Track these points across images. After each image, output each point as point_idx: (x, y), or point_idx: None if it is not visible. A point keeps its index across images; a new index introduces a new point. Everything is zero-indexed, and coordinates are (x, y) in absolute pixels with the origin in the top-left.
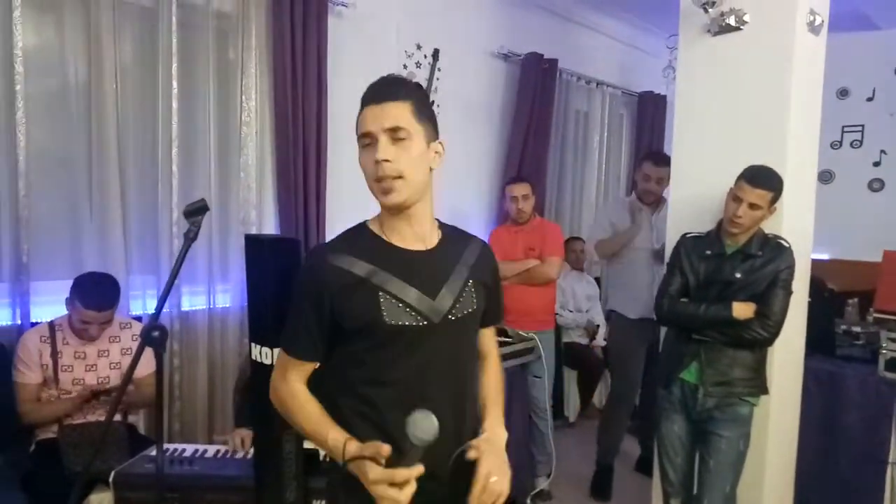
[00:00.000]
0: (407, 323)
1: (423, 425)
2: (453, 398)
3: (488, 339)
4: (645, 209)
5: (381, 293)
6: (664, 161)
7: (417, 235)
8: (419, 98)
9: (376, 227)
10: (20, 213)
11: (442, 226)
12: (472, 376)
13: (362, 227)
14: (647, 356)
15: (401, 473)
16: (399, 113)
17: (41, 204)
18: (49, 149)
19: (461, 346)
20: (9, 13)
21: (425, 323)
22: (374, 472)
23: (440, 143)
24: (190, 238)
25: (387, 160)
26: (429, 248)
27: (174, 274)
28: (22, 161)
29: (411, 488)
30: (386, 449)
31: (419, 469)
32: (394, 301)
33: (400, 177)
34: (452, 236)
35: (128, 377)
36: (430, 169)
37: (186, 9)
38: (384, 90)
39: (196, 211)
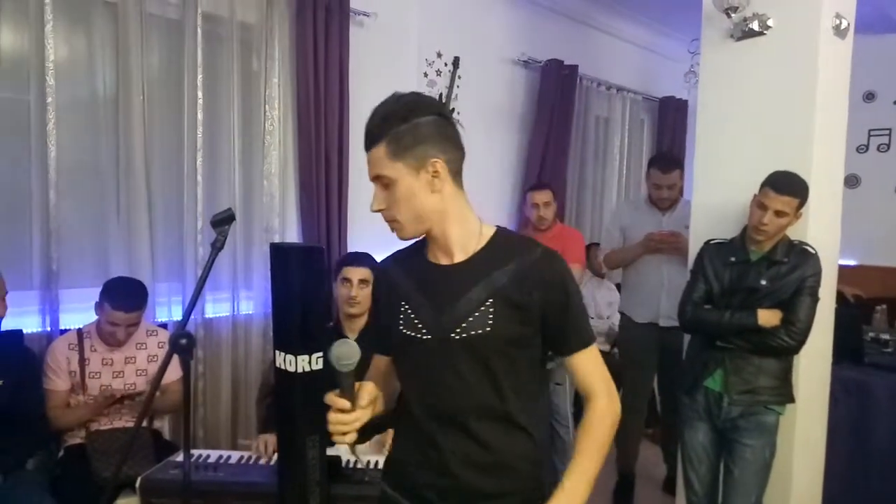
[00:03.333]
0: (413, 335)
1: (339, 351)
2: (456, 423)
3: (584, 373)
4: (656, 210)
5: (402, 303)
6: (671, 165)
7: (445, 251)
8: (394, 132)
9: None
10: (50, 222)
11: (495, 236)
12: (476, 409)
13: (420, 241)
14: (662, 363)
15: (338, 400)
16: (376, 159)
17: (70, 213)
18: (78, 159)
19: (467, 370)
20: (41, 27)
21: (429, 337)
22: (328, 399)
23: (433, 161)
24: (217, 247)
25: (379, 210)
26: (455, 262)
27: (201, 283)
28: (52, 171)
29: (355, 417)
30: (335, 399)
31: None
32: (410, 313)
33: (395, 220)
34: (497, 249)
35: (156, 384)
36: (435, 191)
37: (211, 20)
38: (367, 137)
39: (223, 220)
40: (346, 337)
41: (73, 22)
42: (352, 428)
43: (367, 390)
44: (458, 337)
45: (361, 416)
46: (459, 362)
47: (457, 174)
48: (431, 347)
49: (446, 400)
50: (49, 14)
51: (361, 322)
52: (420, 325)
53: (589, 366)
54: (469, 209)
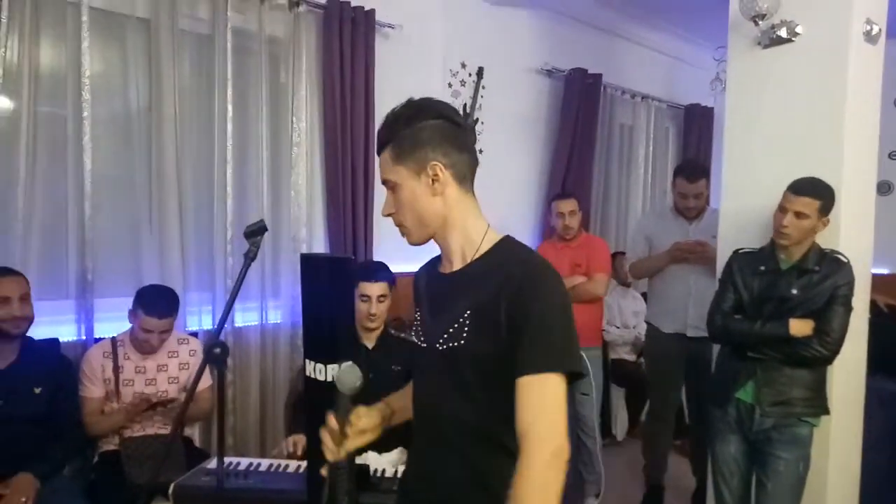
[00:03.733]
0: (417, 342)
1: (341, 376)
2: (441, 437)
3: (520, 406)
4: (682, 220)
5: (417, 310)
6: (697, 174)
7: (447, 259)
8: (398, 135)
9: None
10: (86, 233)
11: (495, 247)
12: (456, 424)
13: None
14: (690, 374)
15: (331, 420)
16: (383, 163)
17: (104, 224)
18: (112, 171)
19: (447, 382)
20: (78, 43)
21: (424, 346)
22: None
23: (433, 165)
24: (250, 258)
25: (388, 214)
26: (453, 270)
27: (234, 293)
28: (88, 184)
29: (339, 442)
30: (329, 418)
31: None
32: (418, 320)
33: (402, 224)
34: (492, 260)
35: (191, 393)
36: (436, 195)
37: (240, 35)
38: (377, 141)
39: (255, 232)
40: (364, 344)
41: (108, 38)
42: (333, 453)
43: (365, 418)
44: (440, 348)
45: (348, 443)
46: (442, 374)
47: (463, 179)
48: (426, 356)
49: (431, 411)
50: (86, 31)
51: (378, 332)
52: (421, 333)
53: (530, 398)
54: (475, 216)
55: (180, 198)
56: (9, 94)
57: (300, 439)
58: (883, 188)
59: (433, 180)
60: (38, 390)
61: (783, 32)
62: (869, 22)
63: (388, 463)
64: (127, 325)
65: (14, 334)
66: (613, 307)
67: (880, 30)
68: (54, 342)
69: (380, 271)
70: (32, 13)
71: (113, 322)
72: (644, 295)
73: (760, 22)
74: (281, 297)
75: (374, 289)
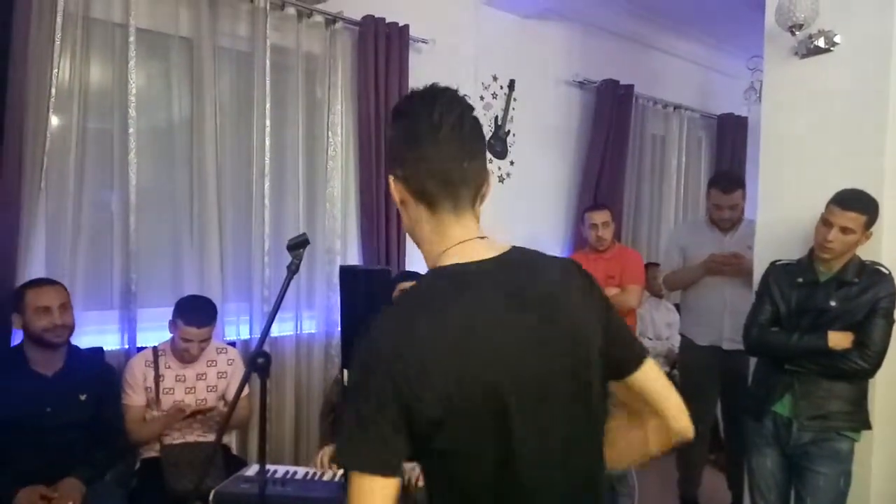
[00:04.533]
0: None
1: None
2: None
3: None
4: (717, 231)
5: None
6: (733, 185)
7: None
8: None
9: None
10: (130, 245)
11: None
12: None
13: None
14: (725, 386)
15: None
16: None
17: (147, 236)
18: (155, 185)
19: None
20: (125, 62)
21: None
22: None
23: (390, 176)
24: (292, 270)
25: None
26: None
27: (277, 305)
28: (133, 197)
29: None
30: None
31: None
32: None
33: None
34: None
35: (234, 401)
36: (401, 204)
37: (278, 51)
38: None
39: (298, 245)
40: None
41: (152, 57)
42: None
43: None
44: None
45: None
46: None
47: (421, 195)
48: None
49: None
50: (132, 51)
51: None
52: None
53: None
54: (438, 235)
55: (220, 210)
56: (60, 112)
57: (328, 450)
58: None
59: (394, 189)
60: (83, 397)
61: (821, 42)
62: None
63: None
64: (168, 335)
65: (56, 343)
66: (646, 318)
67: None
68: (99, 351)
69: (413, 278)
70: (83, 34)
71: (155, 331)
72: (677, 306)
73: (797, 32)
74: (315, 308)
75: None
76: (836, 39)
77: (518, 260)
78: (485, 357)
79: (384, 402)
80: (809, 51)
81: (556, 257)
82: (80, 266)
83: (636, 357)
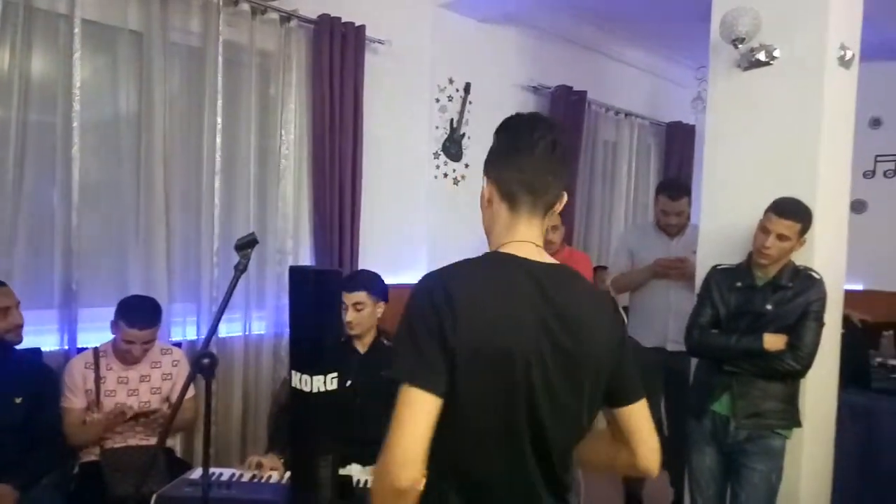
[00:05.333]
0: None
1: None
2: None
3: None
4: (664, 236)
5: None
6: (680, 192)
7: None
8: None
9: None
10: (72, 242)
11: None
12: None
13: None
14: (669, 387)
15: None
16: None
17: (91, 233)
18: (100, 181)
19: None
20: (70, 54)
21: None
22: None
23: (484, 177)
24: (240, 270)
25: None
26: None
27: (224, 305)
28: (76, 193)
29: None
30: None
31: None
32: None
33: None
34: None
35: (178, 403)
36: (488, 202)
37: (231, 48)
38: None
39: (247, 244)
40: (357, 350)
41: (99, 49)
42: None
43: None
44: None
45: None
46: None
47: (506, 195)
48: None
49: None
50: (77, 43)
51: (369, 338)
52: None
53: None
54: (509, 230)
55: (167, 208)
56: None
57: (266, 462)
58: (857, 206)
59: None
60: (18, 400)
61: (762, 56)
62: (843, 47)
63: (370, 475)
64: (111, 335)
65: (16, 343)
66: None
67: (854, 55)
68: (36, 351)
69: (360, 280)
70: (25, 24)
71: (97, 332)
72: (626, 308)
73: (740, 45)
74: (265, 309)
75: (350, 298)
76: (776, 53)
77: (561, 273)
78: (508, 327)
79: (434, 335)
80: (751, 63)
81: (595, 289)
82: (18, 263)
83: (633, 394)
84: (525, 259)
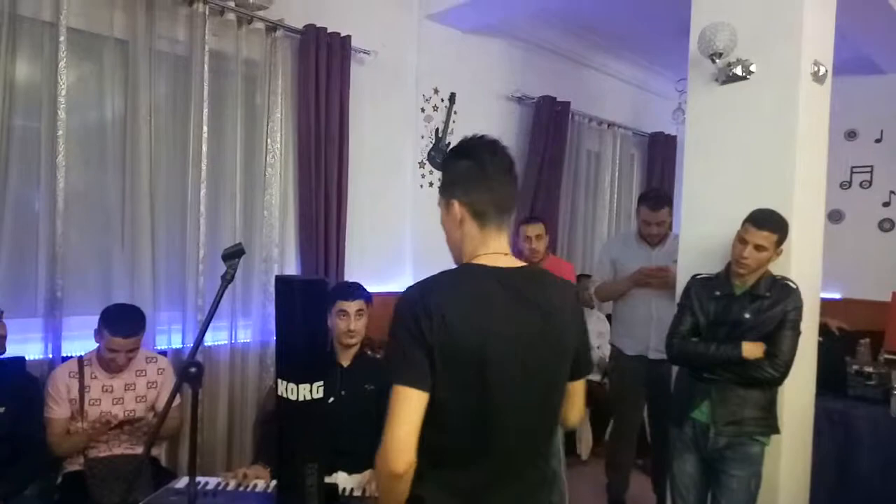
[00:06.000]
0: None
1: None
2: None
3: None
4: (645, 245)
5: None
6: (661, 203)
7: None
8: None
9: None
10: (56, 250)
11: None
12: None
13: None
14: (652, 394)
15: None
16: None
17: (75, 241)
18: (85, 189)
19: None
20: (55, 62)
21: None
22: None
23: (452, 200)
24: (227, 280)
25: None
26: None
27: (210, 314)
28: (60, 200)
29: None
30: None
31: None
32: None
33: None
34: None
35: (165, 412)
36: (460, 222)
37: (217, 57)
38: None
39: (233, 254)
40: (341, 364)
41: (84, 57)
42: None
43: None
44: None
45: None
46: None
47: (479, 214)
48: None
49: None
50: (63, 50)
51: (355, 350)
52: None
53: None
54: (482, 244)
55: (153, 216)
56: None
57: (251, 473)
58: (835, 216)
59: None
60: (1, 410)
61: (738, 70)
62: (816, 63)
63: (356, 483)
64: (96, 344)
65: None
66: None
67: (826, 70)
68: (20, 360)
69: (357, 290)
70: (9, 31)
71: (82, 340)
72: (608, 316)
73: (717, 60)
74: (251, 317)
75: (352, 305)
76: (752, 68)
77: (530, 272)
78: (483, 325)
79: (417, 339)
80: (728, 77)
81: (562, 280)
82: (2, 271)
83: (585, 370)
84: (496, 267)
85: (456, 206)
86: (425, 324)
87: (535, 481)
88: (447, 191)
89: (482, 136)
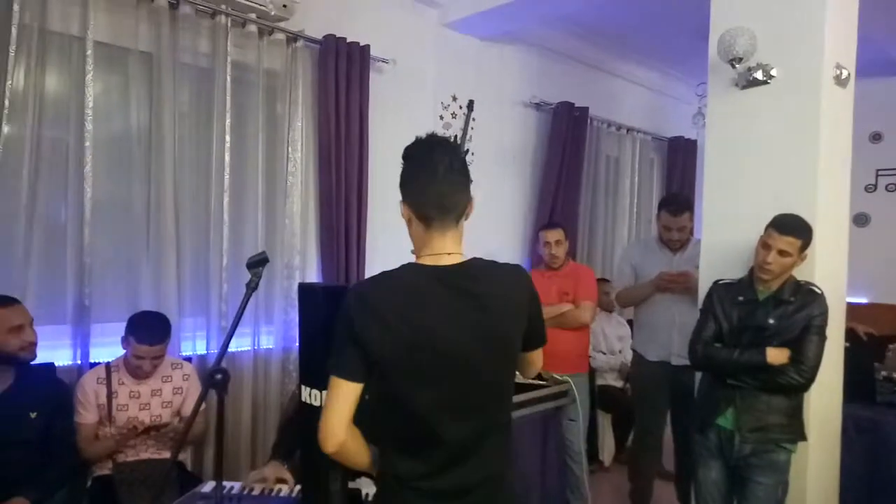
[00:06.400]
0: None
1: None
2: None
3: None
4: (666, 250)
5: None
6: (681, 208)
7: None
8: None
9: None
10: (84, 259)
11: None
12: None
13: None
14: (675, 401)
15: None
16: None
17: (103, 250)
18: (111, 198)
19: None
20: (83, 75)
21: None
22: None
23: (401, 200)
24: (252, 287)
25: None
26: None
27: (236, 322)
28: (88, 210)
29: None
30: None
31: None
32: None
33: None
34: None
35: (192, 417)
36: (408, 221)
37: (239, 67)
38: None
39: (258, 262)
40: None
41: (111, 70)
42: None
43: None
44: None
45: None
46: None
47: (421, 216)
48: None
49: None
50: (90, 64)
51: None
52: None
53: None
54: (426, 244)
55: (177, 225)
56: (13, 123)
57: (268, 473)
58: (860, 220)
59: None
60: (33, 415)
61: (759, 75)
62: (839, 67)
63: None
64: (122, 350)
65: (29, 360)
66: (598, 333)
67: (849, 74)
68: (50, 367)
69: None
70: (39, 46)
71: (109, 347)
72: (630, 322)
73: (737, 65)
74: (273, 323)
75: None
76: (773, 72)
77: (471, 266)
78: (417, 320)
79: (352, 335)
80: (749, 82)
81: (509, 268)
82: (32, 279)
83: (538, 342)
84: (434, 266)
85: (403, 208)
86: (359, 322)
87: (496, 446)
88: (401, 192)
89: (427, 137)
